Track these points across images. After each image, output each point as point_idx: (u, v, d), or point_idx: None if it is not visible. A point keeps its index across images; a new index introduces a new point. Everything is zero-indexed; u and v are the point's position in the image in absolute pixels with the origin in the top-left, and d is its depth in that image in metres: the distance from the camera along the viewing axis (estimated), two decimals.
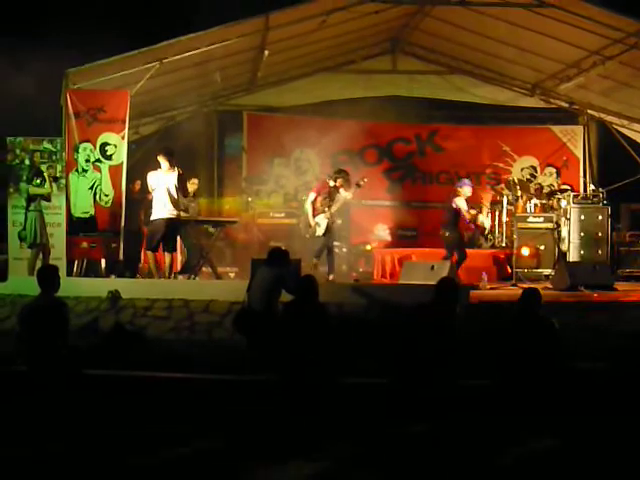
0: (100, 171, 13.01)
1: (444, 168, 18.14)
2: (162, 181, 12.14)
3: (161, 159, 12.18)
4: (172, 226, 12.28)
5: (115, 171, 12.99)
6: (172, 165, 12.14)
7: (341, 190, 12.96)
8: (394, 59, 17.31)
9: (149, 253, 12.66)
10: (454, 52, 16.78)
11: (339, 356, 8.07)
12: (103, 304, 10.80)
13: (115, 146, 13.08)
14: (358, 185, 13.04)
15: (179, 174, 12.14)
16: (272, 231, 15.27)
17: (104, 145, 13.07)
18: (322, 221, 12.97)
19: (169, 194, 12.11)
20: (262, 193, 17.24)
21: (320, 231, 13.01)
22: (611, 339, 9.51)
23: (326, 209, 12.88)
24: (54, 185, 12.99)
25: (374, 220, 16.96)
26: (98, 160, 13.03)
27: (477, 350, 7.84)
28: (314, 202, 13.18)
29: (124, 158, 13.04)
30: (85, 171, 13.05)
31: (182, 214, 12.74)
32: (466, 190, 13.39)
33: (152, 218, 12.34)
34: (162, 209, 12.16)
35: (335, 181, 12.99)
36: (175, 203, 12.19)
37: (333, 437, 6.48)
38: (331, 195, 12.97)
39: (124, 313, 10.61)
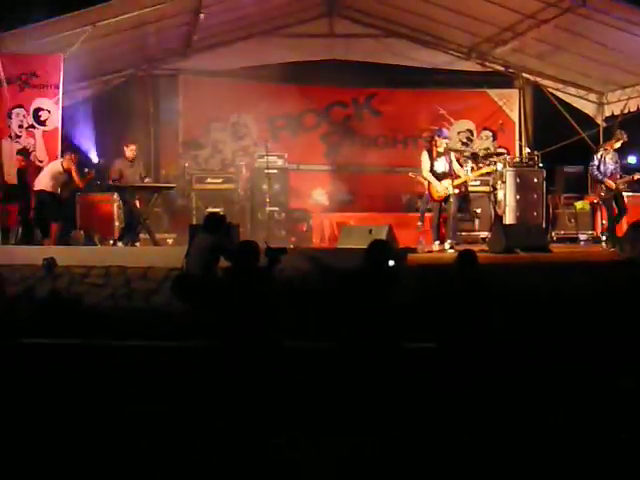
0: (34, 137, 12.82)
1: (382, 132, 18.17)
2: None
3: None
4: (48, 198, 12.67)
5: (49, 137, 12.81)
6: None
7: None
8: (331, 22, 17.21)
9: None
10: (390, 15, 16.73)
11: (280, 320, 8.11)
12: (38, 272, 10.66)
13: (49, 111, 12.89)
14: None
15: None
16: (210, 197, 15.17)
17: (37, 110, 12.88)
18: None
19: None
20: (199, 158, 17.14)
21: None
22: (545, 300, 9.66)
23: None
24: None
25: (312, 185, 16.94)
26: (32, 126, 12.84)
27: (416, 313, 7.92)
28: None
29: (59, 123, 12.84)
30: (19, 137, 12.84)
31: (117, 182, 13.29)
32: None
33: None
34: (47, 182, 12.62)
35: None
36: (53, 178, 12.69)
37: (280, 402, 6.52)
38: None
39: (60, 281, 10.50)
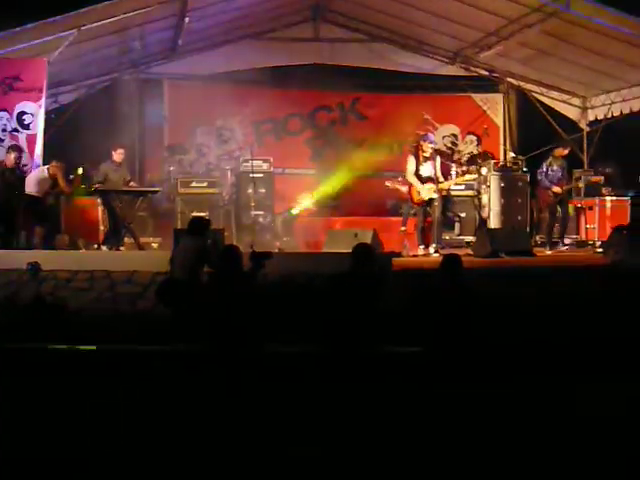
0: (17, 141, 12.76)
1: (367, 136, 18.19)
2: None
3: None
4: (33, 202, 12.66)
5: (32, 141, 12.76)
6: None
7: None
8: (316, 27, 17.22)
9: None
10: (375, 20, 16.77)
11: (264, 325, 8.10)
12: (23, 276, 10.61)
13: (32, 115, 12.85)
14: None
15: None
16: (195, 201, 15.14)
17: (21, 114, 12.83)
18: None
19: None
20: (184, 162, 17.10)
21: None
22: (530, 304, 9.70)
23: None
24: None
25: (297, 189, 16.95)
26: (15, 130, 12.79)
27: (401, 317, 7.93)
28: None
29: (41, 127, 12.80)
30: (2, 141, 12.80)
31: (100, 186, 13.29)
32: None
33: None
34: (32, 187, 12.59)
35: None
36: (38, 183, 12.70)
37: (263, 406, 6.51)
38: None
39: (45, 285, 10.46)
